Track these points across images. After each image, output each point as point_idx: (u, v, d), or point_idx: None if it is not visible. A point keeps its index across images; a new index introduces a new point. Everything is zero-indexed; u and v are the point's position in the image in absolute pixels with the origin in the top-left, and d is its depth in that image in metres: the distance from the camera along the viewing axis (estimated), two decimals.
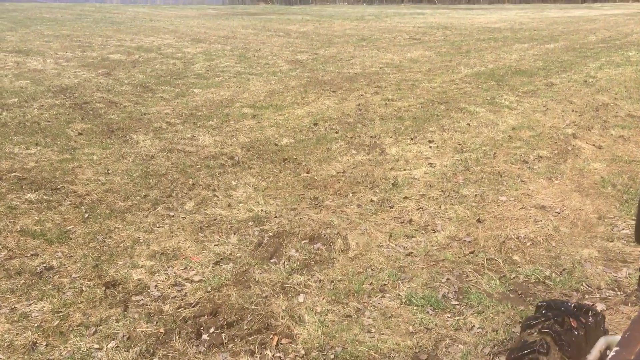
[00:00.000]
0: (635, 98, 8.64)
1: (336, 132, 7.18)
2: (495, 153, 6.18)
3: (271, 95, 9.46)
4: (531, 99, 8.74)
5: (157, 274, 3.68)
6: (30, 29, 21.18)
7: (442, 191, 5.11)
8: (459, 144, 6.57)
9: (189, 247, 4.08)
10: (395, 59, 13.74)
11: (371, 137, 6.97)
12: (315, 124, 7.56)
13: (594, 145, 6.42)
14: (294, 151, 6.42)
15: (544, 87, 9.68)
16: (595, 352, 2.07)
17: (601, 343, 2.10)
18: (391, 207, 4.76)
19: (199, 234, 4.30)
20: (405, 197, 4.96)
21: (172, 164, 5.95)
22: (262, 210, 4.73)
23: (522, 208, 4.70)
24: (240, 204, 4.88)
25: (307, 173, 5.74)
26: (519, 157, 6.04)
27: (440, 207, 4.73)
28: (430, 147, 6.51)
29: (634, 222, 4.22)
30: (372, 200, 4.92)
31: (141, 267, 3.78)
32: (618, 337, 1.75)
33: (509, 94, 9.13)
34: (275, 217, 4.63)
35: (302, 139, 6.91)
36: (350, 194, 5.15)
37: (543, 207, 4.70)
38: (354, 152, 6.42)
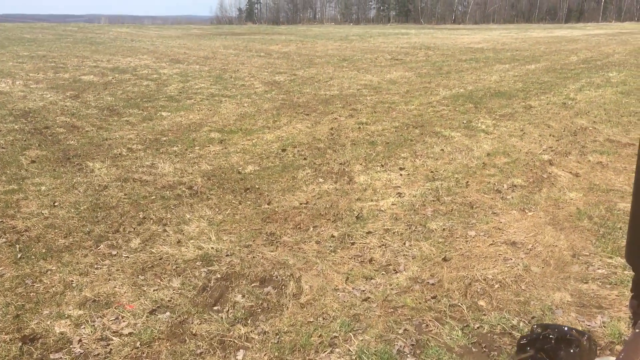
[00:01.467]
0: (614, 121, 8.41)
1: (304, 159, 6.86)
2: (468, 182, 5.88)
3: (242, 118, 9.15)
4: (508, 122, 8.49)
5: (83, 326, 3.30)
6: (6, 49, 20.81)
7: (409, 225, 4.78)
8: (431, 172, 6.27)
9: (125, 292, 3.71)
10: (374, 80, 13.50)
11: (340, 164, 6.65)
12: (284, 150, 7.24)
13: (570, 172, 6.14)
14: (257, 180, 6.08)
15: (522, 109, 9.44)
16: None
17: None
18: (352, 244, 4.42)
19: (139, 276, 3.92)
20: (369, 232, 4.63)
21: (125, 195, 5.59)
22: (213, 248, 4.37)
23: (491, 244, 4.37)
24: (191, 241, 4.52)
25: (268, 204, 5.40)
26: (493, 186, 5.74)
27: (404, 243, 4.40)
28: (401, 174, 6.19)
29: (610, 261, 3.91)
30: (332, 236, 4.58)
31: (67, 317, 3.40)
32: (613, 359, 1.80)
33: (486, 117, 8.88)
34: (227, 255, 4.27)
35: (268, 166, 6.58)
36: (311, 228, 4.81)
37: (514, 243, 4.38)
38: (320, 180, 6.10)
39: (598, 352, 2.54)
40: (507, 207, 5.18)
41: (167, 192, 5.70)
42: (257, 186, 5.90)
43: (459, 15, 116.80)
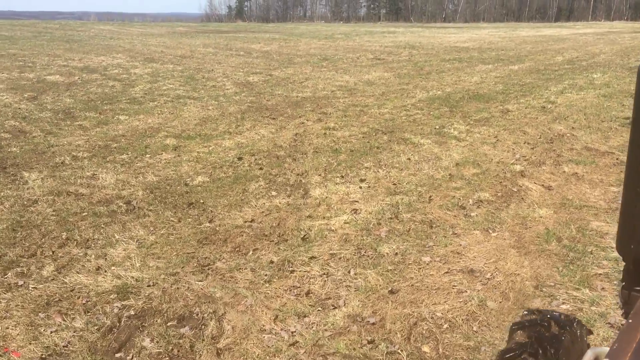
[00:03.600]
0: (594, 127, 7.97)
1: (260, 169, 6.37)
2: (431, 196, 5.40)
3: (204, 122, 8.63)
4: (483, 128, 8.02)
5: None
6: None
7: (358, 248, 4.29)
8: (394, 184, 5.79)
9: (18, 334, 3.20)
10: (350, 81, 13.02)
11: (298, 174, 6.16)
12: (240, 159, 6.74)
13: (542, 185, 5.68)
14: (204, 193, 5.58)
15: (499, 114, 8.98)
16: None
17: (589, 355, 1.99)
18: (291, 272, 3.93)
19: (40, 314, 3.41)
20: (312, 258, 4.14)
21: (54, 211, 5.07)
22: (134, 277, 3.87)
23: (447, 272, 3.89)
24: (112, 268, 4.01)
25: (210, 222, 4.89)
26: (457, 201, 5.27)
27: (349, 271, 3.91)
28: (361, 187, 5.71)
29: (575, 293, 3.45)
30: (271, 262, 4.08)
31: None
32: (606, 349, 1.64)
33: (460, 122, 8.41)
34: (148, 286, 3.77)
35: (219, 178, 6.07)
36: (251, 252, 4.32)
37: (472, 271, 3.91)
38: (273, 193, 5.60)
39: (591, 344, 2.49)
40: (469, 227, 4.71)
41: (102, 207, 5.18)
42: (202, 201, 5.40)
43: (450, 13, 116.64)
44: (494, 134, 7.61)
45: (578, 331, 2.23)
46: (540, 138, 7.43)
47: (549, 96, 10.59)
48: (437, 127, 8.15)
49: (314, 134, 7.88)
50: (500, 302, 3.53)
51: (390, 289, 3.69)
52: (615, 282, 3.73)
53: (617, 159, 6.56)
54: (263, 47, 23.45)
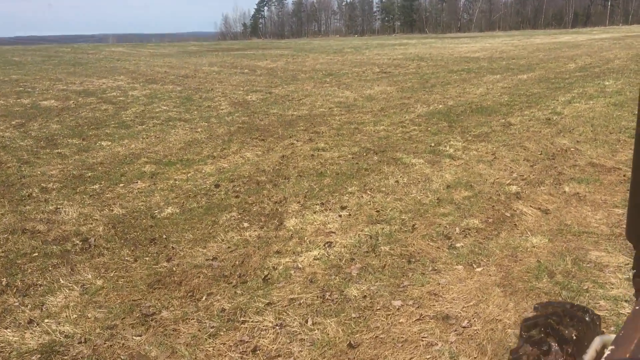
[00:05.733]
0: (600, 140, 7.40)
1: (237, 196, 5.93)
2: (415, 224, 4.91)
3: (188, 146, 8.24)
4: (481, 144, 7.50)
5: None
6: None
7: (323, 291, 3.81)
8: (377, 211, 5.31)
9: None
10: (350, 97, 12.58)
11: (276, 202, 5.71)
12: (217, 186, 6.31)
13: (539, 209, 5.15)
14: (170, 227, 5.14)
15: (500, 128, 8.45)
16: (591, 351, 1.89)
17: (597, 342, 1.91)
18: (242, 323, 3.46)
19: None
20: (269, 304, 3.67)
21: (3, 252, 4.69)
22: (65, 332, 3.43)
23: (418, 319, 3.39)
24: (46, 321, 3.58)
25: (167, 262, 4.45)
26: (443, 229, 4.77)
27: (307, 321, 3.43)
28: (340, 216, 5.24)
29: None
30: (222, 310, 3.62)
31: None
32: (613, 336, 1.67)
33: (457, 138, 7.90)
34: (79, 342, 3.33)
35: (190, 208, 5.64)
36: (205, 297, 3.86)
37: (447, 317, 3.40)
38: (245, 225, 5.16)
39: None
40: (452, 261, 4.20)
41: (55, 246, 4.78)
42: (165, 236, 4.97)
43: (465, 23, 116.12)
44: (492, 151, 7.08)
45: (592, 322, 2.12)
46: (541, 154, 6.89)
47: (556, 107, 10.03)
48: (432, 144, 7.65)
49: (301, 156, 7.43)
50: (475, 358, 3.01)
51: (349, 342, 3.20)
52: (613, 328, 3.20)
53: (624, 175, 6.00)
54: (269, 64, 23.17)
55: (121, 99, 13.56)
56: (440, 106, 10.81)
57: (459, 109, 10.39)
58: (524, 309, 3.48)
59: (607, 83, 13.06)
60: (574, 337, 2.01)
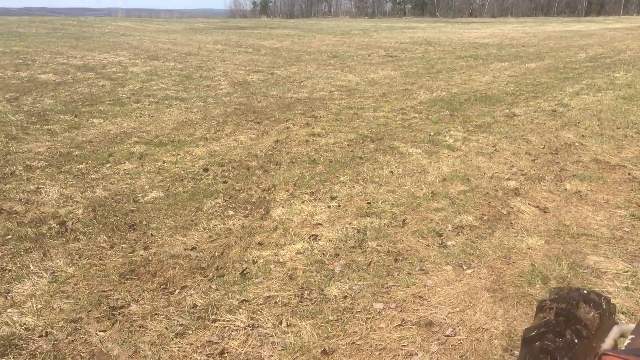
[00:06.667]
0: (607, 135, 7.12)
1: (224, 182, 5.71)
2: (405, 219, 4.68)
3: (181, 127, 8.01)
4: (482, 135, 7.24)
5: None
6: None
7: (302, 289, 3.60)
8: (368, 203, 5.08)
9: None
10: (353, 81, 12.29)
11: (264, 189, 5.49)
12: (206, 170, 6.09)
13: (537, 207, 4.91)
14: (152, 212, 4.94)
15: (504, 118, 8.18)
16: (609, 340, 2.03)
17: (615, 331, 2.06)
18: (213, 321, 3.26)
19: None
20: (244, 301, 3.46)
21: None
22: (27, 323, 3.25)
23: (399, 325, 3.18)
24: (9, 310, 3.41)
25: (144, 250, 4.26)
26: (435, 225, 4.54)
27: (281, 322, 3.22)
28: (329, 207, 5.02)
29: None
30: (194, 306, 3.42)
31: None
32: (632, 326, 1.89)
33: (458, 128, 7.64)
34: (40, 336, 3.15)
35: (175, 193, 5.44)
36: (178, 290, 3.66)
37: (430, 323, 3.19)
38: (230, 213, 4.95)
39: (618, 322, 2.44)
40: (441, 261, 3.98)
41: (30, 229, 4.58)
42: (146, 222, 4.76)
43: (477, 8, 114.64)
44: (493, 143, 6.83)
45: (607, 310, 2.22)
46: (543, 148, 6.63)
47: (562, 98, 9.73)
48: (432, 133, 7.40)
49: (295, 141, 7.20)
50: None
51: (323, 348, 2.99)
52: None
53: (629, 174, 5.75)
54: (274, 44, 22.81)
55: (120, 74, 13.31)
56: (444, 93, 10.52)
57: (463, 97, 10.10)
58: (514, 318, 3.27)
59: (617, 75, 12.71)
60: (589, 322, 2.12)
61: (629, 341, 1.52)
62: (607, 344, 2.06)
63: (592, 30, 33.57)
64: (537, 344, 2.09)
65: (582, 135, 7.17)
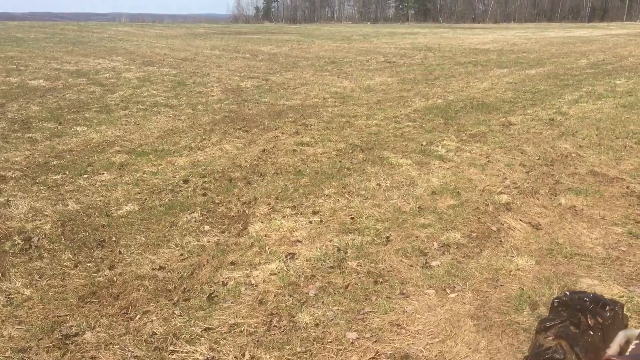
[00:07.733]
0: (605, 145, 6.85)
1: (204, 195, 5.46)
2: (390, 236, 4.42)
3: (167, 135, 7.77)
4: (476, 145, 6.98)
5: None
6: None
7: (271, 315, 3.34)
8: (352, 218, 4.82)
9: None
10: (348, 88, 12.05)
11: (244, 203, 5.24)
12: (186, 181, 5.85)
13: (529, 223, 4.64)
14: (123, 228, 4.69)
15: (499, 127, 7.92)
16: (615, 346, 2.01)
17: (620, 337, 2.05)
18: (171, 353, 3.01)
19: None
20: (207, 329, 3.20)
21: None
22: None
23: (372, 358, 2.93)
24: None
25: (110, 270, 4.00)
26: (420, 243, 4.28)
27: (244, 354, 2.96)
28: (311, 222, 4.76)
29: None
30: (153, 335, 3.16)
31: None
32: (637, 331, 1.83)
33: (451, 137, 7.38)
34: None
35: (151, 206, 5.18)
36: (139, 316, 3.40)
37: (406, 356, 2.92)
38: (205, 228, 4.69)
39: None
40: (424, 283, 3.72)
41: None
42: (115, 238, 4.51)
43: (479, 13, 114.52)
44: (486, 153, 6.56)
45: (620, 314, 2.20)
46: (539, 159, 6.36)
47: (561, 106, 9.46)
48: (424, 143, 7.14)
49: (283, 151, 6.95)
50: None
51: None
52: None
53: (627, 187, 5.48)
54: (273, 50, 22.62)
55: (112, 80, 13.10)
56: (440, 101, 10.27)
57: (459, 104, 9.84)
58: (497, 350, 3.00)
59: (618, 82, 12.45)
60: (592, 339, 2.09)
61: (634, 346, 1.54)
62: (613, 349, 2.07)
63: (594, 36, 33.31)
64: (551, 330, 2.12)
65: (580, 146, 6.90)
